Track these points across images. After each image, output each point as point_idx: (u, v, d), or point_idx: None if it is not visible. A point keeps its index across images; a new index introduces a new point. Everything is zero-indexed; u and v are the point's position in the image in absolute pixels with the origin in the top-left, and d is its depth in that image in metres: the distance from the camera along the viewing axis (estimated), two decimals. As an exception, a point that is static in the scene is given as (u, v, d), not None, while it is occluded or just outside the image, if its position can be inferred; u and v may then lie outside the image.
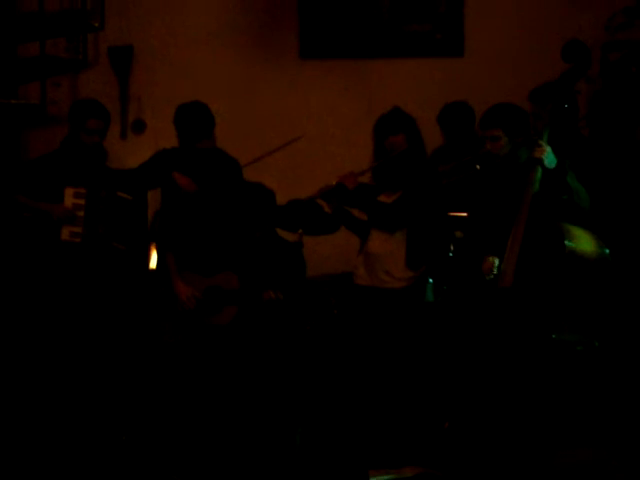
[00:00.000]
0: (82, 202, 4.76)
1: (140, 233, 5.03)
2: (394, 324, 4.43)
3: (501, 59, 5.94)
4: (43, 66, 5.99)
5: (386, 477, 3.98)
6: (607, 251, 3.85)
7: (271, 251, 4.81)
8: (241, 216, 4.66)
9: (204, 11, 6.19)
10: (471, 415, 3.95)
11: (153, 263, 5.07)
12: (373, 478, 3.96)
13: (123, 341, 4.79)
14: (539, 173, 3.86)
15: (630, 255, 4.51)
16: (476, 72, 5.94)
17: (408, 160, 4.50)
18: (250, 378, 4.53)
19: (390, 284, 4.48)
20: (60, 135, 5.12)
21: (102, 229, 4.78)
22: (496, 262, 3.88)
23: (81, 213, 4.75)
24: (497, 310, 3.85)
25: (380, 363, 4.42)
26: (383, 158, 4.54)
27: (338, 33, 6.12)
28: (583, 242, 3.80)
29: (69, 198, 4.76)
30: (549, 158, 3.82)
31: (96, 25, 6.10)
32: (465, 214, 4.50)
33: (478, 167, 4.38)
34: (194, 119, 4.67)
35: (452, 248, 4.52)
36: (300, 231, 4.69)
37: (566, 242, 3.72)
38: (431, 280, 4.47)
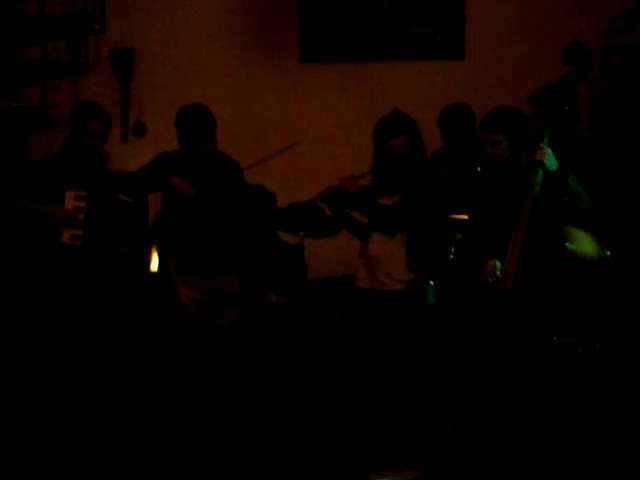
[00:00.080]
0: (83, 205, 4.76)
1: (141, 236, 5.03)
2: (395, 326, 4.43)
3: (501, 62, 5.95)
4: (44, 69, 6.00)
5: (387, 480, 3.98)
6: (608, 253, 3.86)
7: (272, 254, 4.81)
8: (242, 218, 4.66)
9: (205, 14, 6.19)
10: (472, 417, 3.95)
11: (154, 266, 5.07)
12: (374, 481, 3.96)
13: (124, 344, 4.79)
14: (540, 176, 3.86)
15: (631, 257, 4.50)
16: (476, 75, 5.94)
17: (408, 162, 4.50)
18: (251, 381, 4.53)
19: (391, 286, 4.47)
20: (61, 138, 5.12)
21: (103, 232, 4.78)
22: (498, 265, 3.88)
23: (82, 216, 4.75)
24: (498, 312, 3.85)
25: (381, 366, 4.42)
26: (383, 160, 4.54)
27: (338, 36, 6.12)
28: (584, 244, 3.80)
29: (70, 201, 4.76)
30: (550, 161, 3.82)
31: (97, 28, 6.12)
32: (466, 217, 4.50)
33: (479, 169, 4.38)
34: (195, 121, 4.68)
35: (453, 250, 4.52)
36: (301, 234, 4.70)
37: (567, 244, 3.72)
38: (432, 282, 4.47)
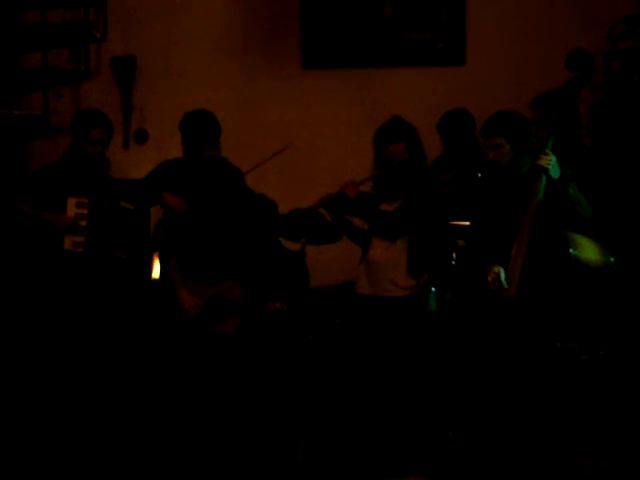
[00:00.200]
0: (85, 212, 4.77)
1: (142, 243, 5.03)
2: (397, 333, 4.42)
3: (502, 68, 5.95)
4: (45, 77, 6.01)
5: (390, 486, 3.97)
6: (612, 259, 3.85)
7: (274, 261, 4.81)
8: (244, 225, 4.67)
9: (206, 21, 6.20)
10: (475, 424, 3.95)
11: (156, 273, 5.07)
12: (377, 488, 3.96)
13: (126, 350, 4.79)
14: (544, 182, 3.86)
15: (634, 264, 4.50)
16: (477, 81, 5.94)
17: (409, 169, 4.50)
18: (253, 389, 4.52)
19: (392, 292, 4.47)
20: (62, 145, 5.12)
21: (104, 239, 4.78)
22: (501, 271, 3.86)
23: (84, 223, 4.76)
24: (501, 319, 3.84)
25: (383, 372, 4.41)
26: (384, 167, 4.55)
27: (340, 43, 6.14)
28: (588, 250, 3.80)
29: (72, 208, 4.76)
30: (554, 168, 3.83)
31: (98, 36, 6.13)
32: (467, 223, 4.50)
33: (479, 175, 4.38)
34: (201, 126, 4.65)
35: (454, 257, 4.52)
36: (303, 240, 4.69)
37: (571, 250, 3.71)
38: (434, 289, 4.47)
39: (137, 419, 4.56)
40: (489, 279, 3.89)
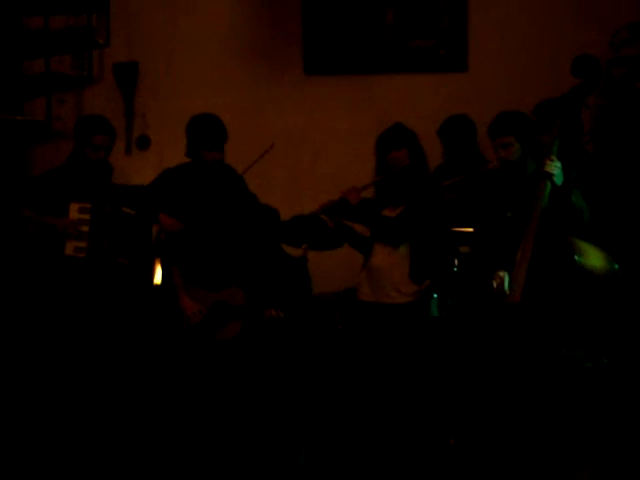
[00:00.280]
0: (87, 217, 4.77)
1: (144, 248, 5.03)
2: (398, 339, 4.41)
3: (505, 74, 5.96)
4: (48, 83, 6.02)
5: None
6: (616, 266, 3.84)
7: (276, 267, 4.80)
8: (247, 232, 4.66)
9: (209, 27, 6.21)
10: (477, 431, 3.94)
11: (157, 278, 5.07)
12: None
13: (128, 356, 4.78)
14: (548, 188, 3.85)
15: (637, 270, 4.49)
16: (480, 87, 5.95)
17: (411, 175, 4.50)
18: (254, 395, 4.52)
19: (394, 299, 4.47)
20: (65, 151, 5.13)
21: (106, 244, 4.79)
22: (506, 277, 3.85)
23: (86, 228, 4.76)
24: (505, 325, 3.83)
25: (385, 379, 4.41)
26: (386, 173, 4.55)
27: (342, 49, 6.14)
28: (592, 257, 3.79)
29: (74, 213, 4.76)
30: (559, 174, 3.83)
31: (101, 42, 6.15)
32: (470, 229, 4.50)
33: (481, 181, 4.38)
34: (209, 127, 4.63)
35: (457, 263, 4.52)
36: (304, 246, 4.69)
37: (576, 257, 3.70)
38: (435, 295, 4.47)
39: (140, 424, 4.56)
40: (494, 284, 3.88)
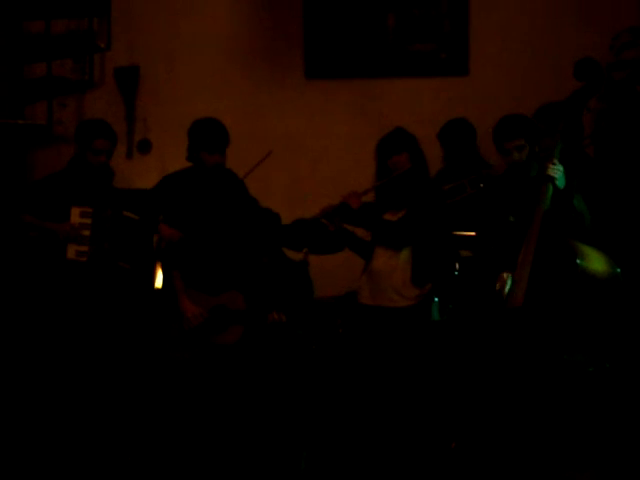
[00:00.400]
0: (88, 221, 4.77)
1: (145, 252, 5.03)
2: (399, 343, 4.41)
3: (506, 78, 5.96)
4: (50, 87, 6.03)
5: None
6: (618, 270, 3.83)
7: (277, 272, 4.80)
8: (247, 236, 4.66)
9: (210, 32, 6.22)
10: (478, 435, 3.93)
11: (158, 282, 5.07)
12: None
13: (128, 359, 4.78)
14: (550, 191, 3.85)
15: (637, 274, 4.48)
16: (481, 91, 5.95)
17: (412, 179, 4.51)
18: (255, 398, 4.52)
19: (396, 302, 4.46)
20: (66, 155, 5.14)
21: (108, 248, 4.79)
22: (509, 279, 3.83)
23: (87, 232, 4.77)
24: (507, 329, 3.82)
25: (386, 383, 4.40)
26: (387, 177, 4.55)
27: (343, 53, 6.15)
28: (594, 261, 3.78)
29: (75, 217, 4.77)
30: (561, 178, 3.83)
31: (102, 46, 6.16)
32: (471, 233, 4.50)
33: (482, 185, 4.38)
34: (211, 130, 4.63)
35: (457, 267, 4.52)
36: (305, 250, 4.69)
37: (578, 261, 3.69)
38: (436, 299, 4.47)
39: (141, 429, 4.55)
40: (497, 286, 3.87)
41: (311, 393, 4.53)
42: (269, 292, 4.61)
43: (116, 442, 4.46)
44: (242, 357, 4.48)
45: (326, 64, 6.16)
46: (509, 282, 3.82)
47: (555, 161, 3.84)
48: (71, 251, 4.75)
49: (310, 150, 6.14)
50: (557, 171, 3.82)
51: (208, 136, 4.61)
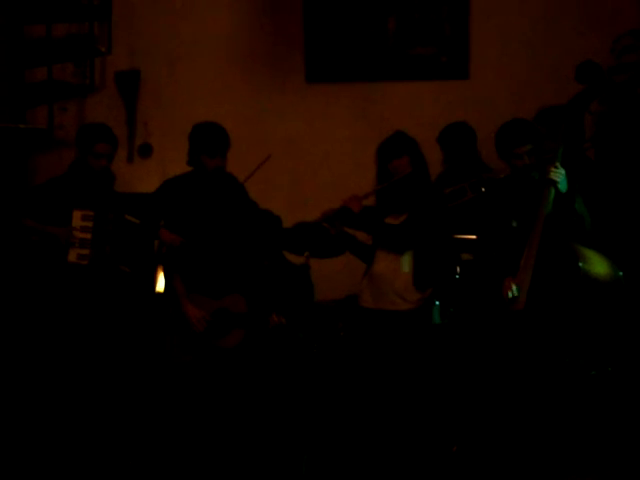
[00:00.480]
0: (90, 225, 4.77)
1: (147, 256, 5.03)
2: (401, 346, 4.41)
3: (507, 82, 5.97)
4: (50, 91, 6.03)
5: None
6: (620, 274, 3.83)
7: (279, 275, 4.81)
8: (249, 240, 4.67)
9: (211, 36, 6.23)
10: (479, 439, 3.93)
11: (160, 286, 5.08)
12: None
13: (130, 363, 4.79)
14: (552, 194, 3.85)
15: (638, 277, 4.48)
16: (482, 95, 5.96)
17: (413, 183, 4.51)
18: (256, 401, 4.52)
19: (398, 306, 4.46)
20: (67, 159, 5.14)
21: (109, 252, 4.79)
22: (514, 286, 3.82)
23: (89, 236, 4.76)
24: (509, 333, 3.82)
25: (387, 386, 4.40)
26: (387, 181, 4.55)
27: (344, 57, 6.16)
28: (597, 265, 3.78)
29: (77, 221, 4.77)
30: (563, 182, 3.83)
31: (103, 50, 6.16)
32: (473, 237, 4.50)
33: (483, 189, 4.38)
34: (211, 134, 4.64)
35: (458, 270, 4.52)
36: (307, 254, 4.70)
37: (580, 264, 3.69)
38: (438, 302, 4.46)
39: (142, 432, 4.55)
40: (504, 292, 3.85)
41: (312, 396, 4.53)
42: (270, 295, 4.61)
43: (118, 445, 4.46)
44: (243, 360, 4.49)
45: (327, 68, 6.17)
46: (515, 289, 3.81)
47: (557, 164, 3.84)
48: (72, 255, 4.75)
49: (311, 154, 6.14)
50: (559, 174, 3.83)
51: (209, 140, 4.62)
